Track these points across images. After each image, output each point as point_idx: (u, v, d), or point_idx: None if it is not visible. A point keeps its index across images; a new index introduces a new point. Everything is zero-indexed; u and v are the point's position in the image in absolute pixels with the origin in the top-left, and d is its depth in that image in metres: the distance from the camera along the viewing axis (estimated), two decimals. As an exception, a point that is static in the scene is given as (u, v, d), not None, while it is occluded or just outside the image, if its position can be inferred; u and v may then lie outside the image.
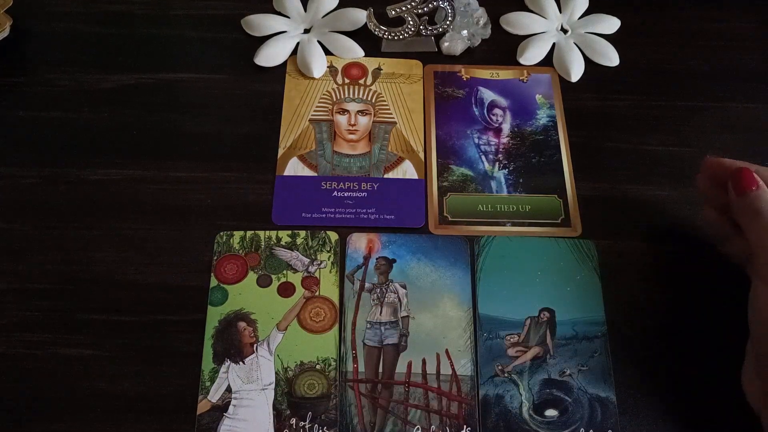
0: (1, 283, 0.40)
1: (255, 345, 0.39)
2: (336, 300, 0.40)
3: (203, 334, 0.39)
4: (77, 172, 0.44)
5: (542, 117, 0.48)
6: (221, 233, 0.42)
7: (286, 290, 0.40)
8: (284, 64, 0.49)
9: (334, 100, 0.48)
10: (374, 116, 0.47)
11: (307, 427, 0.37)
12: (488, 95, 0.49)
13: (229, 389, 0.38)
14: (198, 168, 0.45)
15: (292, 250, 0.42)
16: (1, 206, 0.43)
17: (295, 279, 0.41)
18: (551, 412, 0.37)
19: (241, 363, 0.38)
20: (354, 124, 0.47)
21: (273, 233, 0.42)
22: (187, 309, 0.40)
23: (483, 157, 0.46)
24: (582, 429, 0.37)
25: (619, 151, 0.46)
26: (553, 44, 0.51)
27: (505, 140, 0.47)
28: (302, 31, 0.51)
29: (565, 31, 0.52)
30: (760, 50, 0.51)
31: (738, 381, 0.36)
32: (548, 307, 0.40)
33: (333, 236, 0.42)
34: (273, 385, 0.38)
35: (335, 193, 0.44)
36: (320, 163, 0.45)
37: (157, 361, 0.38)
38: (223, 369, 0.38)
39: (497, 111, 0.48)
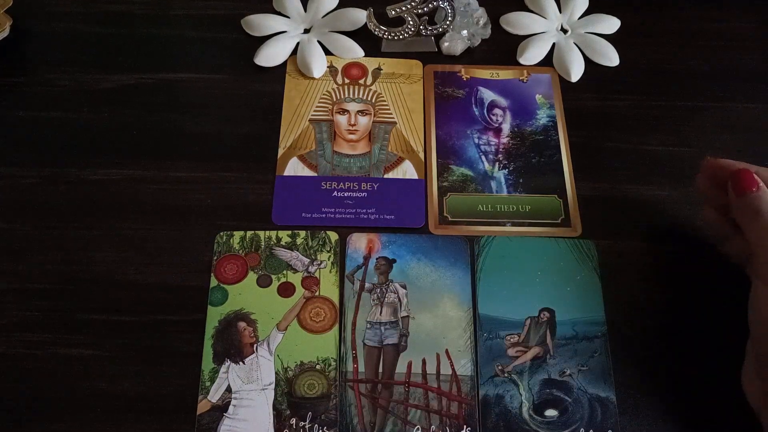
0: (1, 283, 0.40)
1: (255, 345, 0.39)
2: (336, 300, 0.40)
3: (203, 334, 0.39)
4: (77, 172, 0.44)
5: (542, 117, 0.48)
6: (221, 233, 0.42)
7: (286, 290, 0.40)
8: (284, 64, 0.49)
9: (334, 100, 0.48)
10: (374, 116, 0.47)
11: (307, 427, 0.37)
12: (488, 95, 0.49)
13: (229, 389, 0.38)
14: (198, 168, 0.45)
15: (292, 250, 0.42)
16: (1, 206, 0.43)
17: (295, 279, 0.41)
18: (551, 412, 0.37)
19: (241, 363, 0.38)
20: (354, 124, 0.47)
21: (273, 233, 0.42)
22: (187, 309, 0.40)
23: (483, 157, 0.46)
24: (582, 429, 0.37)
25: (619, 151, 0.46)
26: (553, 44, 0.51)
27: (505, 140, 0.47)
28: (302, 31, 0.51)
29: (565, 31, 0.52)
30: (760, 50, 0.51)
31: (738, 381, 0.36)
32: (548, 307, 0.40)
33: (333, 236, 0.42)
34: (273, 385, 0.38)
35: (335, 193, 0.44)
36: (320, 163, 0.45)
37: (157, 361, 0.38)
38: (223, 369, 0.38)
39: (497, 111, 0.48)
